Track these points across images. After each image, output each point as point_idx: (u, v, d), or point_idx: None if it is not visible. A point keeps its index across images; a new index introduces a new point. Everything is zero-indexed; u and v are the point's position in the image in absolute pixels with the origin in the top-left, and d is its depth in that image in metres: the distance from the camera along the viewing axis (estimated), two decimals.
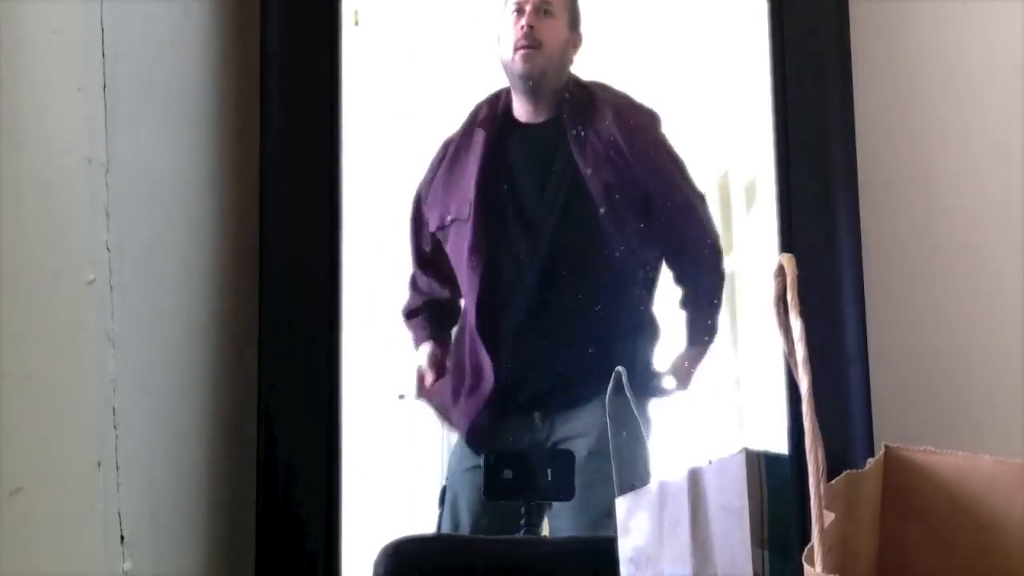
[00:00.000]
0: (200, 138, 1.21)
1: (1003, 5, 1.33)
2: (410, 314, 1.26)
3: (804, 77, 1.24)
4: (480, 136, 1.19)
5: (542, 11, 1.15)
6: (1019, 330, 1.30)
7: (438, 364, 1.22)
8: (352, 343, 1.22)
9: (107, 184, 1.02)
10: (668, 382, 1.21)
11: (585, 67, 1.32)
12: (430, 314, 1.25)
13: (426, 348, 1.24)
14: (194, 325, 1.19)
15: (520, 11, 1.15)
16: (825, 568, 0.80)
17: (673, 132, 1.33)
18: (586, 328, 1.19)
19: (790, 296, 0.82)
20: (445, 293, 1.24)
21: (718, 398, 1.34)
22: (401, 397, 1.28)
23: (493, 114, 1.19)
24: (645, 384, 1.20)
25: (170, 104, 1.16)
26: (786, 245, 1.22)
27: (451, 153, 1.24)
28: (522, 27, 1.14)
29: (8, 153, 0.97)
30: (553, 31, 1.16)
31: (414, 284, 1.27)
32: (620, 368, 1.14)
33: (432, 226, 1.26)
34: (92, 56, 1.01)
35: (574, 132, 1.17)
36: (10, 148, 0.97)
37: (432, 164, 1.27)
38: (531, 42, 1.15)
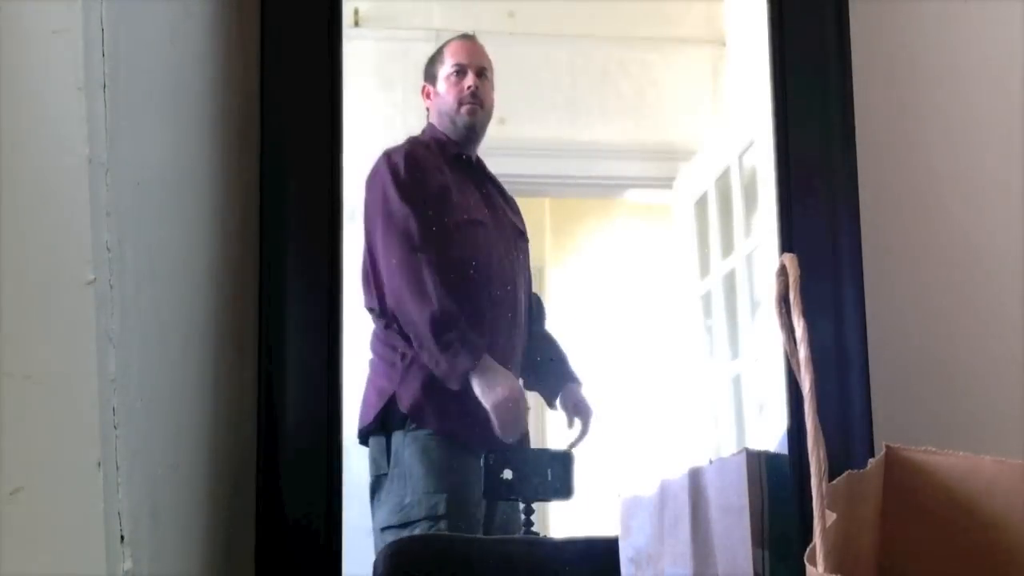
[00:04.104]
0: (200, 138, 1.21)
1: (1003, 5, 1.33)
2: (446, 324, 1.27)
3: (804, 77, 1.24)
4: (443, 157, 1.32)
5: (482, 75, 1.32)
6: (1019, 330, 1.30)
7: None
8: (352, 343, 1.21)
9: (107, 184, 1.02)
10: None
11: (584, 66, 1.33)
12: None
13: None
14: (194, 325, 1.18)
15: (462, 72, 1.32)
16: (827, 568, 0.80)
17: (674, 131, 1.34)
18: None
19: (792, 296, 0.82)
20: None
21: (718, 398, 1.34)
22: None
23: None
24: None
25: (170, 104, 1.16)
26: (786, 245, 1.22)
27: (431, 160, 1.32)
28: (468, 87, 1.31)
29: (8, 153, 0.97)
30: (488, 92, 1.32)
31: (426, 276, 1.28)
32: None
33: (451, 217, 1.29)
34: (92, 56, 1.01)
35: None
36: (10, 148, 0.97)
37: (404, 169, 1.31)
38: (476, 100, 1.32)
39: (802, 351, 0.81)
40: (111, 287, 1.01)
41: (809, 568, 0.81)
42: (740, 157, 1.33)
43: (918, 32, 1.33)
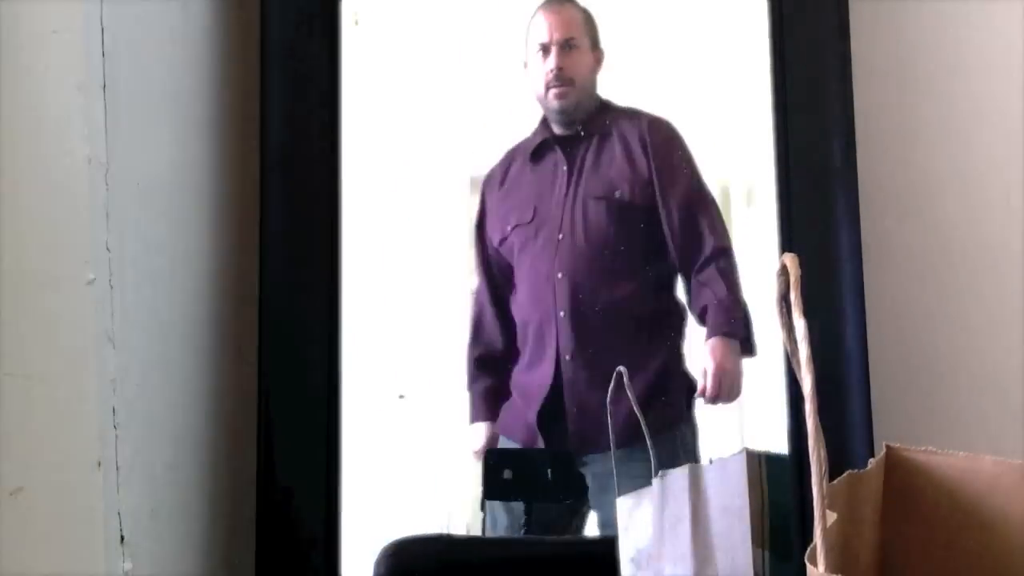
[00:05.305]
0: (200, 138, 1.21)
1: (1003, 5, 1.33)
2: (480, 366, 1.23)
3: (804, 77, 1.24)
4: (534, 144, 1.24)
5: (567, 48, 1.21)
6: (1019, 330, 1.30)
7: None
8: (352, 342, 1.21)
9: (107, 184, 1.02)
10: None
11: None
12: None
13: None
14: (194, 325, 1.18)
15: (546, 50, 1.21)
16: (828, 568, 0.80)
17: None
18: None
19: (793, 296, 0.82)
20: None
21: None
22: (401, 397, 1.28)
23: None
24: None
25: (170, 104, 1.16)
26: (786, 245, 1.22)
27: (515, 165, 1.25)
28: (551, 70, 1.20)
29: (8, 153, 0.97)
30: (580, 64, 1.21)
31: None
32: (621, 368, 1.14)
33: (495, 240, 1.25)
34: (92, 56, 1.01)
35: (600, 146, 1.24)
36: (10, 148, 0.97)
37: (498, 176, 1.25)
38: (563, 81, 1.21)
39: (802, 351, 0.81)
40: (111, 287, 1.02)
41: (809, 568, 0.81)
42: (740, 158, 1.33)
43: (918, 32, 1.33)
